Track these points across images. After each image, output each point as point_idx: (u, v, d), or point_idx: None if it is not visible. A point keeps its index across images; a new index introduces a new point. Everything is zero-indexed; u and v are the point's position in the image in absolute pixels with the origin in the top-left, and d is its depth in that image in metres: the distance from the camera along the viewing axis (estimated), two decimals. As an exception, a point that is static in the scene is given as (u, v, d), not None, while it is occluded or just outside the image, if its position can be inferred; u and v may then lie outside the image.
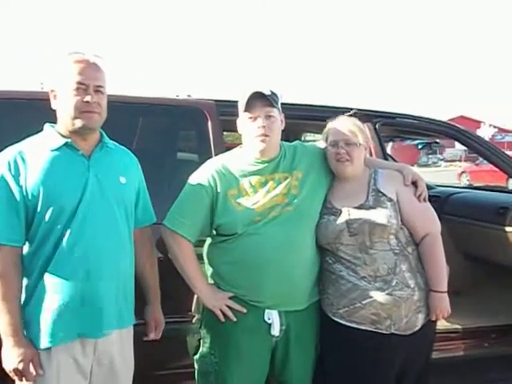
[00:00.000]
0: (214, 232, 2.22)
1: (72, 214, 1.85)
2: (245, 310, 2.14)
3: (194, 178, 2.22)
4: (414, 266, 2.21)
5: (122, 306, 1.99)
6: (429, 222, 2.27)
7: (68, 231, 1.85)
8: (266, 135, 2.13)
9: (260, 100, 2.14)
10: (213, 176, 2.18)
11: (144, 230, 2.17)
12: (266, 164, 2.20)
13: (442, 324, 2.39)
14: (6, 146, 1.92)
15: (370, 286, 2.14)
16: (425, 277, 2.22)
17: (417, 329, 2.19)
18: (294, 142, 2.39)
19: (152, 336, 2.19)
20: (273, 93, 2.17)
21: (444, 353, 3.13)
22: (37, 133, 1.97)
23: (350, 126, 2.26)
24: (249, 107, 2.15)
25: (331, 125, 2.31)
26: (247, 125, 2.17)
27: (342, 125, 2.27)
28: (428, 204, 2.29)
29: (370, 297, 2.13)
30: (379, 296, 2.13)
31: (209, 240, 2.27)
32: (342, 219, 2.19)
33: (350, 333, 2.17)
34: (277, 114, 2.18)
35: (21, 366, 1.79)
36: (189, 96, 3.18)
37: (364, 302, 2.14)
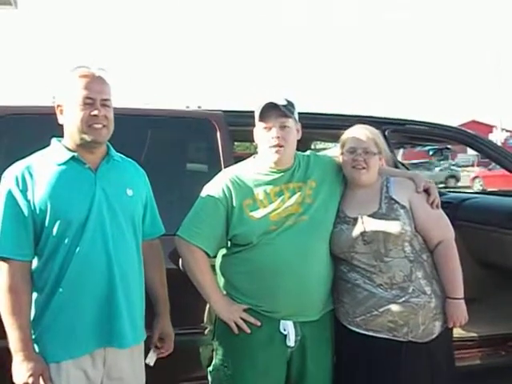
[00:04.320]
0: (229, 243, 2.21)
1: (79, 228, 1.85)
2: (259, 323, 2.12)
3: (209, 189, 2.21)
4: (430, 273, 2.20)
5: (134, 319, 1.98)
6: (443, 228, 2.25)
7: (76, 245, 1.85)
8: (281, 145, 2.13)
9: (274, 110, 2.13)
10: (228, 186, 2.17)
11: (153, 242, 2.16)
12: (282, 174, 2.19)
13: (457, 332, 2.37)
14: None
15: (386, 294, 2.13)
16: (441, 284, 2.21)
17: (434, 336, 2.17)
18: (307, 152, 2.38)
19: (164, 350, 2.17)
20: (289, 102, 2.16)
21: (460, 361, 3.08)
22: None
23: (369, 134, 2.27)
24: (263, 117, 2.14)
25: (349, 132, 2.30)
26: (262, 134, 2.17)
27: (361, 133, 2.27)
28: (441, 211, 2.28)
29: (387, 304, 2.12)
30: (396, 303, 2.12)
31: (222, 251, 2.26)
32: (355, 228, 2.18)
33: (367, 341, 2.15)
34: (292, 124, 2.17)
35: (30, 381, 1.78)
36: (199, 107, 3.18)
37: (381, 310, 2.13)
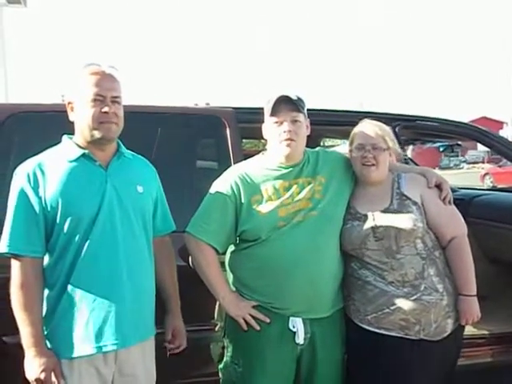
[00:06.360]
0: (237, 238, 2.22)
1: (90, 225, 1.87)
2: (268, 320, 2.12)
3: (217, 185, 2.21)
4: (442, 270, 2.19)
5: (144, 316, 1.98)
6: (455, 224, 2.24)
7: (87, 242, 1.86)
8: (292, 140, 2.13)
9: (286, 104, 2.13)
10: (236, 182, 2.17)
11: (163, 238, 2.17)
12: (291, 169, 2.19)
13: (468, 329, 2.35)
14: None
15: (398, 292, 2.12)
16: (453, 281, 2.19)
17: (446, 334, 2.16)
18: (316, 148, 2.38)
19: (176, 346, 2.18)
20: (299, 98, 2.16)
21: (470, 359, 3.06)
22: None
23: (378, 130, 2.25)
24: (275, 112, 2.14)
25: (358, 128, 2.29)
26: (273, 129, 2.17)
27: (370, 129, 2.26)
28: (453, 207, 2.27)
29: (399, 302, 2.11)
30: (408, 301, 2.11)
31: (231, 247, 2.26)
32: (366, 224, 2.17)
33: (379, 339, 2.14)
34: (303, 120, 2.17)
35: (43, 376, 1.80)
36: (207, 104, 3.19)
37: (392, 308, 2.11)
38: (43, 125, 2.56)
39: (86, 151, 1.92)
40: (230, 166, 2.45)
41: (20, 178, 1.86)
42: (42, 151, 1.96)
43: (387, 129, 2.31)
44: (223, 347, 2.29)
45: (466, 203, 4.08)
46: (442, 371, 2.23)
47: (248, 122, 2.83)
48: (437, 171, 2.64)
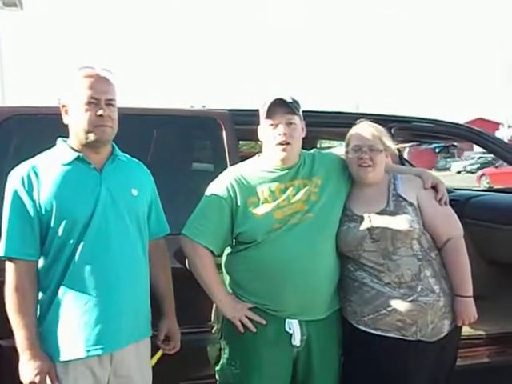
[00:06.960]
0: (234, 241, 2.22)
1: (84, 228, 1.86)
2: (264, 322, 2.12)
3: (213, 188, 2.21)
4: (438, 271, 2.19)
5: (139, 318, 1.98)
6: (451, 225, 2.24)
7: (81, 245, 1.86)
8: (288, 143, 2.13)
9: (281, 107, 2.13)
10: (232, 185, 2.17)
11: (158, 241, 2.17)
12: (286, 171, 2.19)
13: (465, 330, 2.35)
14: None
15: (394, 293, 2.12)
16: (449, 282, 2.20)
17: (443, 335, 2.16)
18: (312, 150, 2.38)
19: (170, 348, 2.18)
20: (294, 100, 2.16)
21: (467, 360, 3.07)
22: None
23: (374, 131, 2.25)
24: (270, 114, 2.14)
25: (354, 130, 2.29)
26: (268, 132, 2.17)
27: (366, 130, 2.26)
28: (449, 208, 2.27)
29: (395, 303, 2.11)
30: (404, 302, 2.11)
31: (227, 249, 2.26)
32: (363, 226, 2.18)
33: (376, 340, 2.14)
34: (298, 122, 2.18)
35: (37, 379, 1.80)
36: (203, 106, 3.20)
37: (389, 309, 2.12)
38: (40, 127, 2.56)
39: (81, 154, 1.92)
40: (227, 168, 2.45)
41: (14, 181, 1.86)
42: (38, 154, 1.96)
43: (383, 130, 2.31)
44: (220, 349, 2.29)
45: (461, 204, 4.08)
46: (440, 372, 2.24)
47: (244, 124, 2.83)
48: (433, 172, 2.65)
